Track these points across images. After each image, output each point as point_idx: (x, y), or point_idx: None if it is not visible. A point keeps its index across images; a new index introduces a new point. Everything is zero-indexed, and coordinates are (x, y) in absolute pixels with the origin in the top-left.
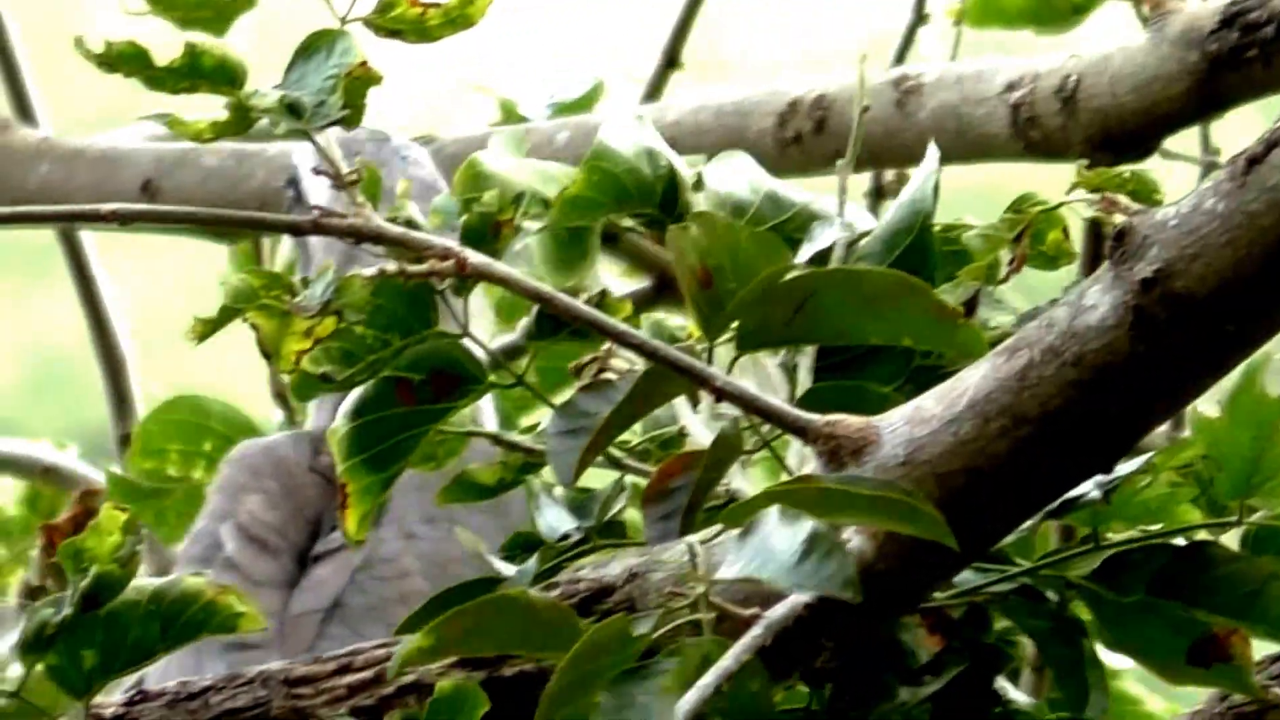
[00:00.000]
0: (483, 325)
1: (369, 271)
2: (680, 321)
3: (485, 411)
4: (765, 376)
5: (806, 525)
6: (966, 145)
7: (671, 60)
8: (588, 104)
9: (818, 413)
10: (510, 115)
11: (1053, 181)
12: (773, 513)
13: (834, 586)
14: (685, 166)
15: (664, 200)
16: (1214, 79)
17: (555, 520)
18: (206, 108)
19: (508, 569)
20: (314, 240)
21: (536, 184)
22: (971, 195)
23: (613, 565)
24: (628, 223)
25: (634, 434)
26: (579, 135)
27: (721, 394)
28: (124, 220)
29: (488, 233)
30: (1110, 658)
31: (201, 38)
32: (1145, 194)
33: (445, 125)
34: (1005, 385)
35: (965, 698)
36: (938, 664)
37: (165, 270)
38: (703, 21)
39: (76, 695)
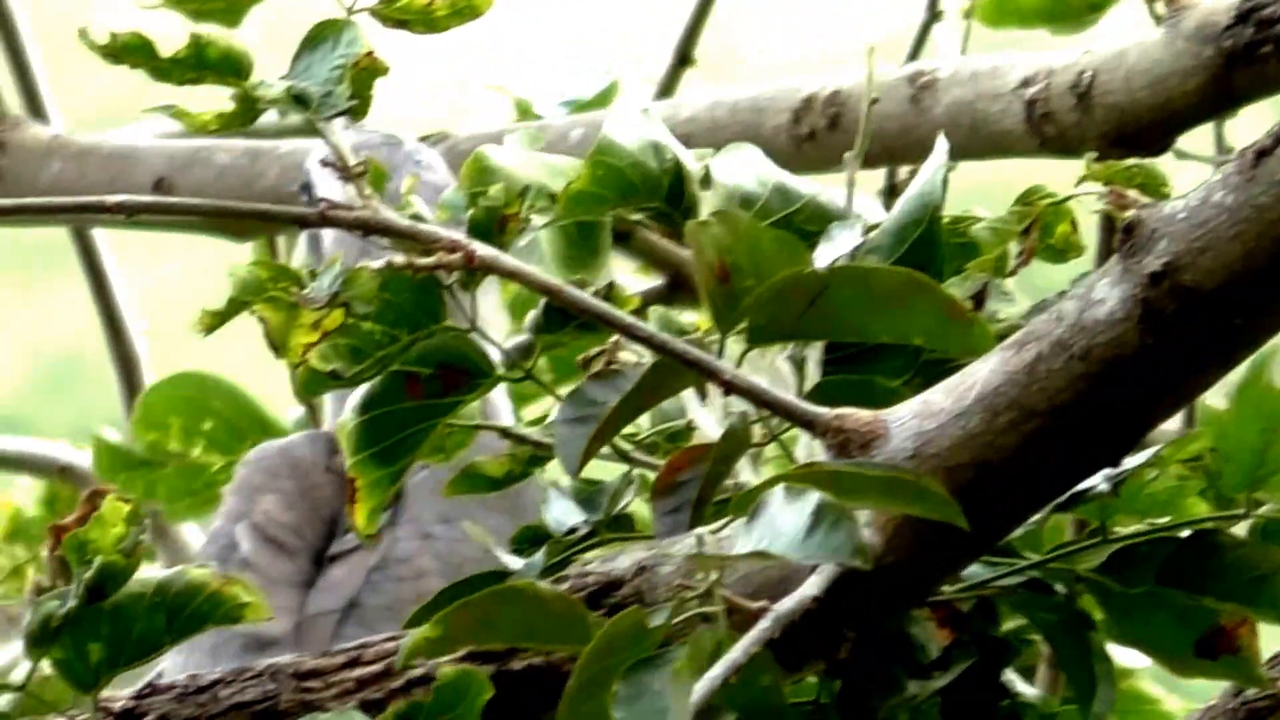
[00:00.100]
0: (496, 324)
1: (377, 264)
2: (690, 317)
3: (500, 406)
4: (773, 370)
5: (812, 498)
6: (981, 141)
7: (684, 58)
8: (603, 102)
9: (826, 406)
10: (525, 113)
11: (1067, 177)
12: (778, 491)
13: (844, 555)
14: (692, 160)
15: (670, 194)
16: (1229, 75)
17: (563, 513)
18: (213, 100)
19: (516, 562)
20: (328, 243)
21: (543, 178)
22: (982, 193)
23: (621, 559)
24: (635, 217)
25: (642, 427)
26: (593, 133)
27: (730, 387)
28: (130, 213)
29: (494, 227)
30: (1127, 657)
31: (209, 29)
32: (1154, 187)
33: (453, 117)
34: (1014, 379)
35: (974, 691)
36: (946, 657)
37: (179, 270)
38: (714, 22)
39: (84, 689)
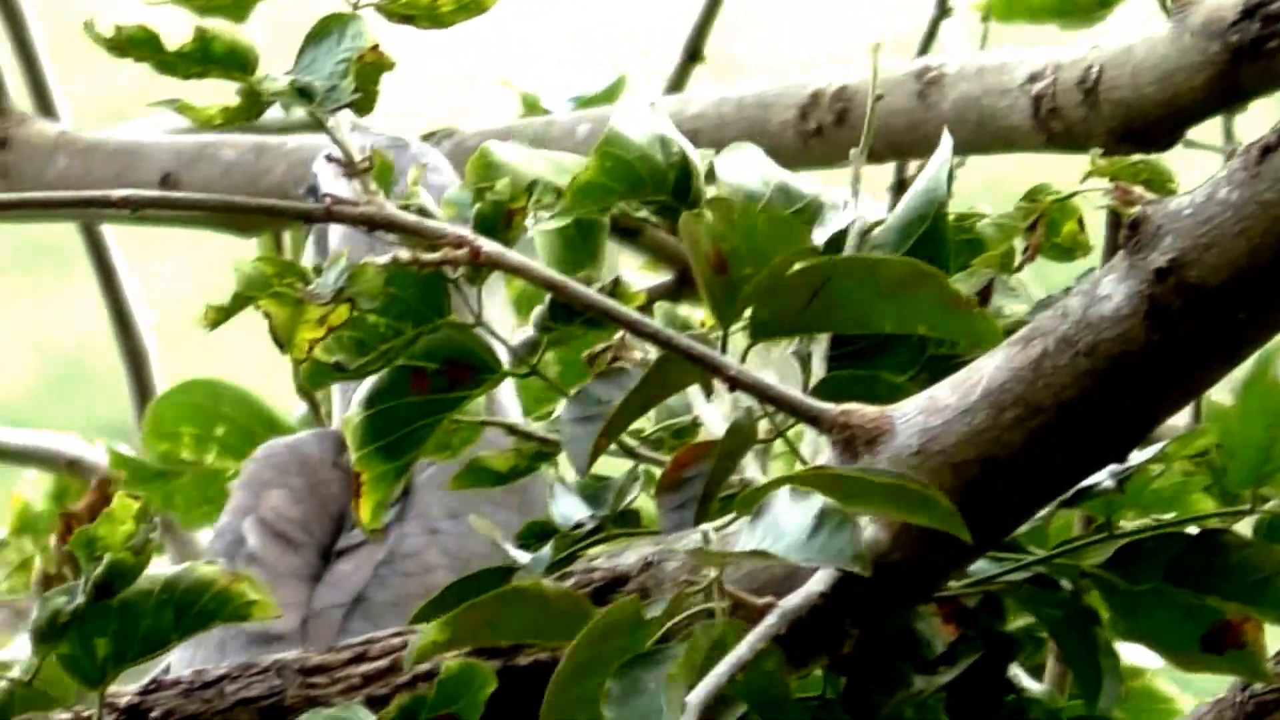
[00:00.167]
0: (503, 322)
1: (383, 259)
2: (698, 314)
3: (508, 401)
4: (779, 365)
5: (816, 502)
6: (988, 137)
7: (694, 54)
8: (610, 97)
9: (832, 402)
10: (532, 109)
11: (1073, 173)
12: (783, 493)
13: (844, 560)
14: (698, 156)
15: (677, 187)
16: (1235, 70)
17: (570, 509)
18: (219, 95)
19: (523, 558)
20: (334, 241)
21: (548, 173)
22: (988, 190)
23: (627, 554)
24: (642, 212)
25: (648, 422)
26: (600, 128)
27: (735, 383)
28: (135, 207)
29: (500, 222)
30: (1140, 656)
31: (215, 23)
32: (1159, 183)
33: (458, 113)
34: (1019, 375)
35: (979, 686)
36: (952, 653)
37: (187, 267)
38: (723, 21)
39: (90, 684)
